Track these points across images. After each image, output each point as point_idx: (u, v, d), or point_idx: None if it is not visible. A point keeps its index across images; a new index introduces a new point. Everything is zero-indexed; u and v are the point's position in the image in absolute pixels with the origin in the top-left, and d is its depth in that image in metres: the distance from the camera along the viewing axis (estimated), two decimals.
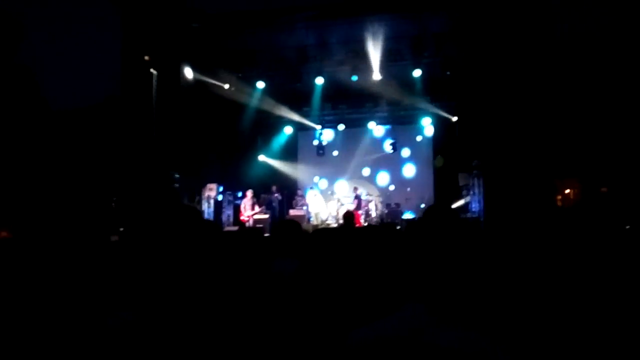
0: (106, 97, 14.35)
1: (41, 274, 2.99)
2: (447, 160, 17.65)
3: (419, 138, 18.55)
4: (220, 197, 16.10)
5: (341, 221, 13.67)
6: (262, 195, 16.70)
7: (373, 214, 17.00)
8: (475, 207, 15.16)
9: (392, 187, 19.09)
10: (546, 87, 13.15)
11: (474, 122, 15.52)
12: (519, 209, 11.68)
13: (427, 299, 1.75)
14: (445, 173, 17.77)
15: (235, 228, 14.52)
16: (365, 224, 15.33)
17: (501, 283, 3.13)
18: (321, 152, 19.32)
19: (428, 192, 18.72)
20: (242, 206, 15.81)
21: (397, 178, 19.28)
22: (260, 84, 16.74)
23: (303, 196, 17.35)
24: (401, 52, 15.69)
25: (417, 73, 15.93)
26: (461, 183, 16.55)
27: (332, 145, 19.68)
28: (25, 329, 2.25)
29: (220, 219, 15.88)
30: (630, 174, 13.50)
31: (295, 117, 18.78)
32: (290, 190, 17.71)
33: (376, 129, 19.29)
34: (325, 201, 18.57)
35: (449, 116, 17.59)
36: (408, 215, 17.73)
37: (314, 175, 19.76)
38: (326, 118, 18.93)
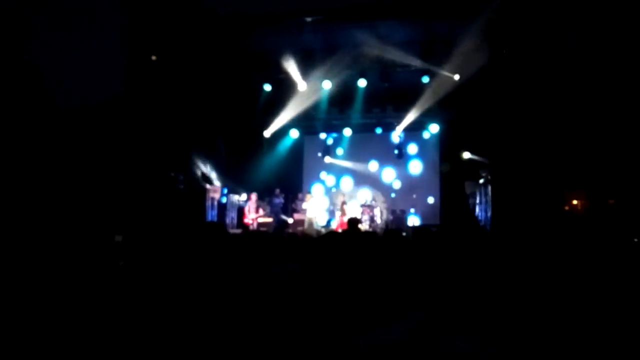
0: (112, 96, 14.33)
1: (44, 272, 2.93)
2: (454, 167, 17.53)
3: (426, 135, 18.39)
4: (224, 200, 16.05)
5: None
6: (266, 198, 16.66)
7: (378, 220, 16.91)
8: (482, 215, 15.06)
9: (397, 184, 18.93)
10: (555, 97, 13.06)
11: (481, 130, 15.41)
12: (527, 218, 11.57)
13: (436, 306, 1.69)
14: (452, 180, 17.67)
15: (239, 231, 14.47)
16: (370, 230, 15.22)
17: (508, 291, 3.05)
18: (327, 156, 19.25)
19: (435, 198, 18.62)
20: (246, 209, 15.77)
21: (403, 182, 19.15)
22: (267, 87, 16.74)
23: (303, 200, 17.30)
24: (409, 57, 15.62)
25: (425, 79, 15.89)
26: (468, 191, 16.45)
27: (338, 150, 19.59)
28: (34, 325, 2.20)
29: (224, 222, 15.83)
30: (638, 186, 13.40)
31: (301, 121, 18.74)
32: (295, 194, 17.66)
33: (383, 135, 19.19)
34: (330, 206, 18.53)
35: (456, 122, 17.48)
36: (413, 219, 17.71)
37: (319, 180, 19.70)
38: (332, 122, 18.87)
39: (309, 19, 14.24)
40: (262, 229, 14.82)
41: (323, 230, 15.56)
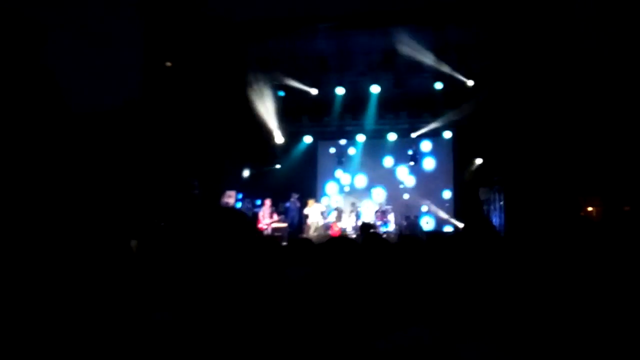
0: (126, 101, 14.45)
1: (57, 276, 2.97)
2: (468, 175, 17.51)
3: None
4: (238, 205, 16.11)
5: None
6: (280, 204, 16.69)
7: (391, 226, 16.89)
8: (495, 222, 15.01)
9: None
10: (570, 102, 13.00)
11: (496, 136, 15.37)
12: (540, 224, 11.51)
13: (451, 311, 1.71)
14: (466, 186, 17.65)
15: None
16: (384, 236, 15.20)
17: (522, 297, 3.05)
18: (341, 161, 19.30)
19: (450, 200, 18.62)
20: (260, 214, 15.81)
21: (417, 180, 19.14)
22: (281, 93, 16.83)
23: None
24: (423, 63, 15.64)
25: (438, 85, 15.90)
26: (482, 197, 16.41)
27: (352, 155, 19.64)
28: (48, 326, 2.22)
29: None
30: None
31: (315, 127, 18.83)
32: (307, 200, 17.67)
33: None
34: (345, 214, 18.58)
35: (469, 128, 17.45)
36: (427, 219, 17.73)
37: (333, 178, 19.76)
38: (346, 128, 18.90)
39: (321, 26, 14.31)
40: (276, 234, 14.85)
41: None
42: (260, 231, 15.34)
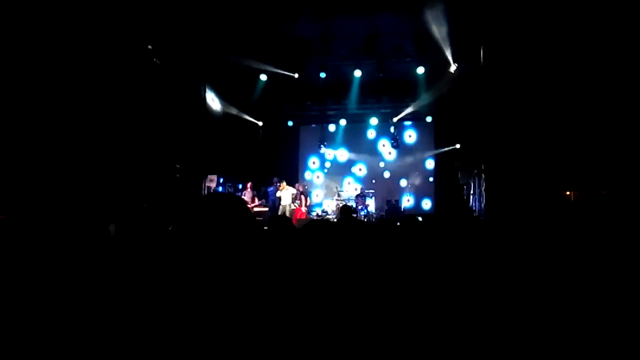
0: (108, 85, 14.28)
1: (39, 263, 2.97)
2: (450, 159, 17.63)
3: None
4: (220, 189, 16.08)
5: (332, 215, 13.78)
6: (262, 188, 16.68)
7: (372, 209, 17.00)
8: (475, 206, 15.16)
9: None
10: (547, 87, 13.11)
11: (476, 122, 15.48)
12: (519, 208, 11.66)
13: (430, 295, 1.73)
14: (446, 171, 17.81)
15: None
16: (364, 220, 15.29)
17: (501, 282, 3.12)
18: (323, 145, 19.35)
19: (430, 198, 18.82)
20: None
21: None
22: (263, 77, 16.77)
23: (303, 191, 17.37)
24: (405, 48, 15.67)
25: (420, 70, 15.95)
26: (462, 182, 16.54)
27: (334, 132, 19.70)
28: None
29: None
30: (632, 178, 13.47)
31: (297, 112, 18.85)
32: (290, 184, 17.70)
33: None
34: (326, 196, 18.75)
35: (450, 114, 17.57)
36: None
37: (315, 177, 19.93)
38: (328, 112, 18.92)
39: (304, 9, 14.22)
40: (258, 218, 14.86)
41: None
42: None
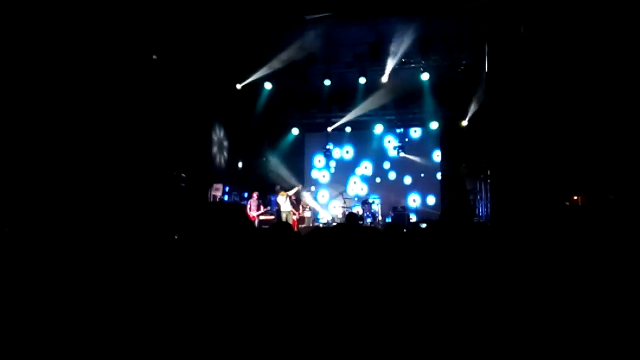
0: (113, 94, 14.32)
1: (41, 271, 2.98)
2: (456, 164, 17.61)
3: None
4: (226, 198, 16.10)
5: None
6: (268, 196, 16.70)
7: (379, 217, 16.98)
8: (482, 211, 15.12)
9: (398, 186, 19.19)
10: (557, 93, 13.08)
11: (482, 127, 15.47)
12: (526, 213, 11.61)
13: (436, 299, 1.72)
14: (453, 177, 17.78)
15: None
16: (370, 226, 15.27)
17: (508, 287, 3.10)
18: (328, 154, 19.38)
19: (435, 195, 18.80)
20: (247, 207, 15.81)
21: (402, 182, 19.33)
22: (268, 85, 16.80)
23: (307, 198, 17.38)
24: (410, 55, 15.67)
25: (425, 76, 15.95)
26: (468, 187, 16.50)
27: (339, 147, 19.72)
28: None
29: None
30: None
31: (303, 119, 18.90)
32: (296, 192, 17.70)
33: (384, 142, 19.43)
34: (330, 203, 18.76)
35: (458, 120, 17.54)
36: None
37: (320, 176, 19.97)
38: (333, 120, 18.94)
39: (308, 17, 14.25)
40: (264, 226, 14.87)
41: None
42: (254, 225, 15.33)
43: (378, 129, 18.78)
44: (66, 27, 10.16)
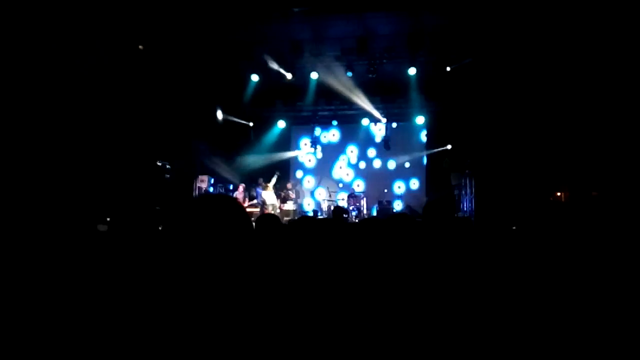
0: (98, 86, 14.19)
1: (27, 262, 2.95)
2: (441, 159, 17.71)
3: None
4: (211, 190, 16.06)
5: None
6: (254, 189, 16.64)
7: (364, 210, 17.02)
8: (466, 206, 15.20)
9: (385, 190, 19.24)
10: (540, 89, 13.17)
11: (468, 122, 15.53)
12: (510, 209, 11.70)
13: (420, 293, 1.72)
14: (438, 172, 17.88)
15: None
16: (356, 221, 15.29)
17: (492, 280, 3.12)
18: (314, 147, 19.37)
19: (421, 190, 18.85)
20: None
21: (390, 176, 19.37)
22: (255, 77, 16.74)
23: (293, 190, 17.33)
24: (397, 49, 15.68)
25: (412, 71, 15.96)
26: (453, 182, 16.59)
27: (324, 151, 19.72)
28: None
29: None
30: (622, 179, 13.52)
31: (289, 112, 18.85)
32: (282, 185, 17.66)
33: (370, 126, 19.40)
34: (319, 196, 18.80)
35: (443, 115, 17.58)
36: (398, 203, 18.05)
37: (306, 170, 19.97)
38: (320, 114, 18.92)
39: (296, 10, 14.20)
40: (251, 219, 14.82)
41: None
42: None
43: (365, 122, 18.81)
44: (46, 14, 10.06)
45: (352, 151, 19.76)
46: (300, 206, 18.09)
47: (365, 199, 17.42)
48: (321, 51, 15.88)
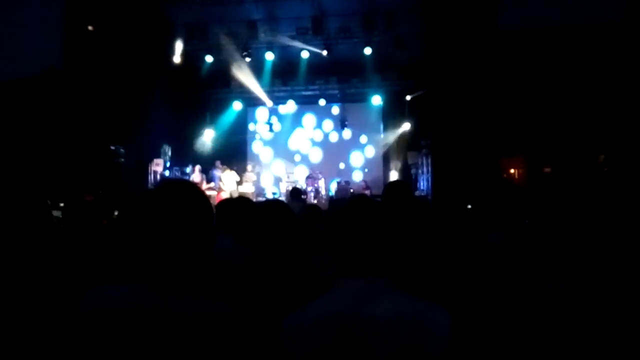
0: (47, 68, 13.82)
1: None
2: (397, 139, 17.88)
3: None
4: (167, 173, 15.80)
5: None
6: (210, 171, 16.44)
7: (322, 192, 17.01)
8: (423, 185, 15.34)
9: (342, 165, 19.27)
10: (493, 66, 13.33)
11: (423, 101, 15.65)
12: (466, 187, 11.85)
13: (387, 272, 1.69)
14: (394, 151, 18.03)
15: None
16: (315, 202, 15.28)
17: (450, 259, 3.14)
18: (271, 129, 19.24)
19: (377, 170, 18.96)
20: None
21: (346, 156, 19.43)
22: (209, 58, 16.51)
23: (254, 172, 17.22)
24: (352, 29, 15.65)
25: (367, 51, 15.94)
26: (410, 162, 16.72)
27: (281, 122, 19.57)
28: None
29: None
30: (574, 154, 13.85)
31: (244, 93, 18.63)
32: (240, 166, 17.51)
33: (326, 107, 19.32)
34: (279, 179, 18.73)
35: (400, 94, 17.65)
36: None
37: (263, 152, 19.85)
38: (276, 94, 18.78)
39: None
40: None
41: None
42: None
43: (321, 102, 18.74)
44: None
45: (308, 121, 19.66)
46: (260, 189, 17.97)
47: (323, 179, 17.40)
48: (276, 31, 15.73)
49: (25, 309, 2.32)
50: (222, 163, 16.31)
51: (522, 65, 13.95)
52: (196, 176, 15.53)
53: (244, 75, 17.46)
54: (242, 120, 19.73)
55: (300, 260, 2.72)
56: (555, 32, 13.98)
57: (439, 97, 13.79)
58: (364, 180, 18.20)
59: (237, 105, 19.10)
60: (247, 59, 16.30)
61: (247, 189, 16.21)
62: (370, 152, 19.24)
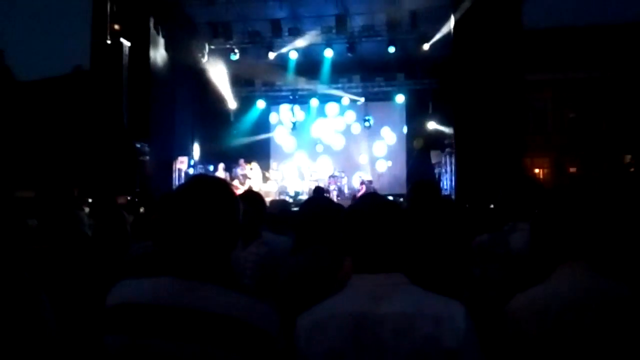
0: (74, 68, 14.00)
1: None
2: (422, 137, 17.80)
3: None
4: (191, 171, 15.91)
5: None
6: (233, 170, 16.51)
7: (346, 191, 16.98)
8: (447, 184, 15.23)
9: (364, 160, 19.20)
10: (518, 65, 13.19)
11: (448, 100, 15.54)
12: (490, 186, 11.73)
13: (408, 269, 1.69)
14: (419, 150, 17.95)
15: None
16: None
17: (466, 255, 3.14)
18: (294, 127, 19.27)
19: (401, 169, 18.87)
20: None
21: (371, 156, 19.38)
22: (234, 56, 16.59)
23: (278, 170, 17.28)
24: (376, 27, 15.61)
25: (391, 49, 15.88)
26: (434, 160, 16.63)
27: (305, 120, 19.59)
28: None
29: None
30: (600, 154, 13.66)
31: (268, 92, 18.69)
32: (263, 165, 17.56)
33: (350, 102, 19.28)
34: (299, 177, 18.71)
35: (424, 94, 17.57)
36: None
37: (287, 150, 19.84)
38: (299, 93, 18.80)
39: None
40: None
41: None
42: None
43: (345, 101, 18.70)
44: None
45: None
46: (282, 187, 18.01)
47: (346, 177, 17.38)
48: (300, 30, 15.76)
49: (64, 306, 2.36)
50: (246, 161, 16.37)
51: (547, 65, 13.80)
52: (220, 174, 15.61)
53: (267, 73, 17.51)
54: (266, 119, 19.78)
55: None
56: (580, 32, 13.81)
57: (464, 95, 13.67)
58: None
59: (260, 104, 19.16)
60: (271, 58, 16.34)
61: (271, 187, 16.25)
62: (392, 147, 19.15)
